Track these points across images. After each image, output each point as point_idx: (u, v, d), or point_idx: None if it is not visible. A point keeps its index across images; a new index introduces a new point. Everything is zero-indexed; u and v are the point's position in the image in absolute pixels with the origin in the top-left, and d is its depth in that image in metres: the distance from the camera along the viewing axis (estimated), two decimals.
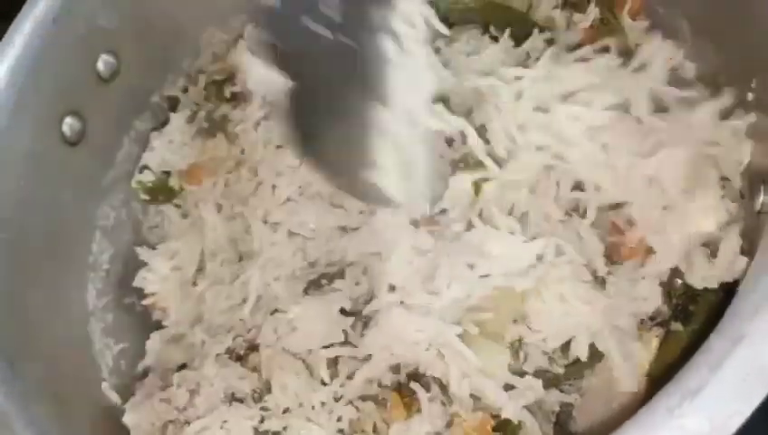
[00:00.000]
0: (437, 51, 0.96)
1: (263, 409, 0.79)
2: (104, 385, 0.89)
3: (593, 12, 0.95)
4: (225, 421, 0.77)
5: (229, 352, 0.83)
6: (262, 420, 0.78)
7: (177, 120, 1.06)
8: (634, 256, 0.75)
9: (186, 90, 1.10)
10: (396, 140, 0.71)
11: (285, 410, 0.78)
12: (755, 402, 0.51)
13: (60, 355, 0.86)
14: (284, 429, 0.78)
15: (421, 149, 0.74)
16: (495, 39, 0.94)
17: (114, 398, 0.87)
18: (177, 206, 1.05)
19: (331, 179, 0.79)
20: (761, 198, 0.74)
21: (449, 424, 0.72)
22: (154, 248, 1.00)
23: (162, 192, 1.06)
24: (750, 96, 0.79)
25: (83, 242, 0.99)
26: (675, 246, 0.70)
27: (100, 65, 0.99)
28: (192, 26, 1.08)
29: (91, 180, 1.02)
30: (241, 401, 0.80)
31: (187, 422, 0.80)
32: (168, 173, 1.05)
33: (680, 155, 0.72)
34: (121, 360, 0.94)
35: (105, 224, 1.02)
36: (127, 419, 0.83)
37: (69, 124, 0.96)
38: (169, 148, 1.05)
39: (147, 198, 1.05)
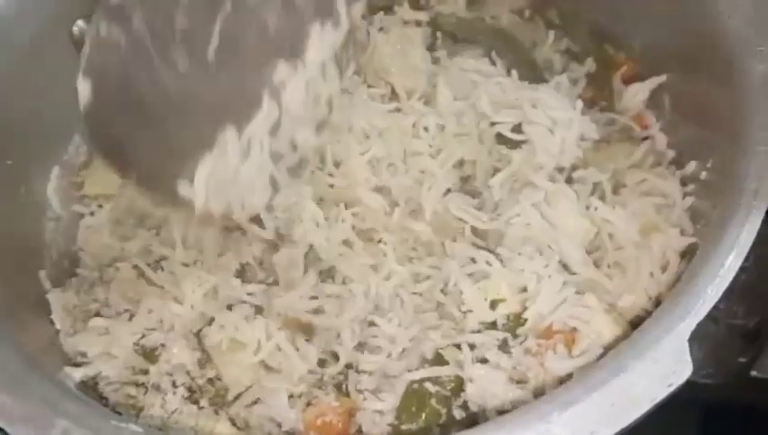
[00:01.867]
0: (436, 61, 1.01)
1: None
2: (42, 273, 0.91)
3: (590, 66, 1.00)
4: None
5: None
6: (142, 337, 0.83)
7: None
8: None
9: None
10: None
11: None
12: (617, 428, 0.56)
13: (9, 233, 0.88)
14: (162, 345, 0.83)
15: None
16: (494, 63, 0.99)
17: (47, 285, 0.89)
18: None
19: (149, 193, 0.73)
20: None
21: None
22: None
23: None
24: (703, 175, 0.84)
25: (62, 140, 1.01)
26: None
27: None
28: None
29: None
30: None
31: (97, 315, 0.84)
32: None
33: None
34: (65, 259, 0.97)
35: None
36: (51, 296, 0.86)
37: (79, 27, 0.99)
38: None
39: None
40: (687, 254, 0.80)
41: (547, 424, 0.56)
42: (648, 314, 0.78)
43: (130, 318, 0.84)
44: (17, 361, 0.65)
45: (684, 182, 0.87)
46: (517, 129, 0.88)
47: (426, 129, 0.93)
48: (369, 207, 0.91)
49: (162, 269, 0.88)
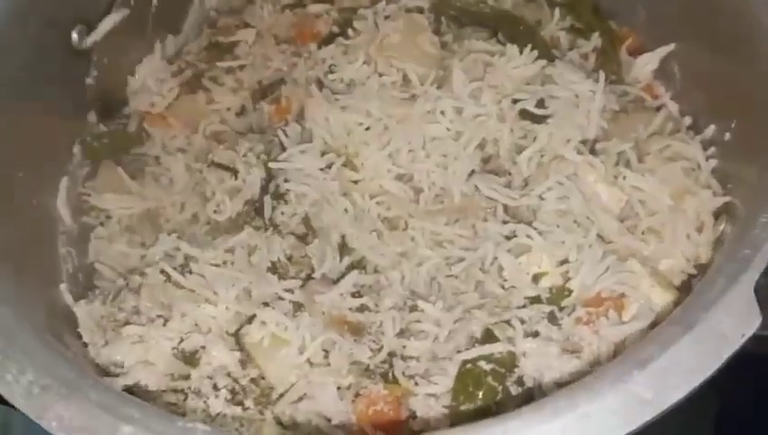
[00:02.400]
0: (444, 45, 1.01)
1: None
2: (62, 286, 0.88)
3: (596, 41, 1.01)
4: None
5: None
6: (180, 341, 0.81)
7: (160, 66, 1.07)
8: None
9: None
10: None
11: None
12: (697, 381, 0.56)
13: (26, 252, 0.85)
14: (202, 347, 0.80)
15: None
16: (503, 44, 0.99)
17: (69, 300, 0.86)
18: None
19: None
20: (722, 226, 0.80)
21: None
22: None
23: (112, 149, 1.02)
24: (727, 136, 0.85)
25: (66, 151, 0.99)
26: None
27: None
28: None
29: (83, 92, 1.01)
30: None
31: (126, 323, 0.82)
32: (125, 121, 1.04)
33: None
34: (79, 273, 0.94)
35: (89, 139, 1.01)
36: (78, 309, 0.83)
37: (78, 32, 0.97)
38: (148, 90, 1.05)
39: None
40: (722, 213, 0.81)
41: (627, 383, 0.56)
42: (691, 276, 0.79)
43: (165, 323, 0.81)
44: (66, 368, 0.62)
45: (704, 147, 0.89)
46: (540, 104, 0.88)
47: (443, 113, 0.93)
48: (394, 196, 0.91)
49: (191, 272, 0.85)
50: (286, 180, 0.91)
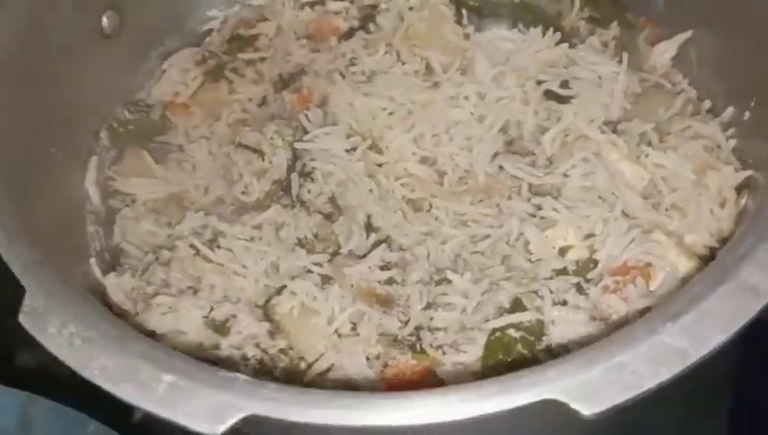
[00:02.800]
0: (466, 36, 1.04)
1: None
2: (92, 260, 0.89)
3: (615, 30, 1.03)
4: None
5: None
6: (211, 310, 0.82)
7: (185, 55, 1.09)
8: None
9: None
10: None
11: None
12: (730, 331, 0.57)
13: (58, 227, 0.86)
14: (233, 316, 0.82)
15: None
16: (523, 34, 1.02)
17: (98, 273, 0.88)
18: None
19: None
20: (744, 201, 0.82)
21: None
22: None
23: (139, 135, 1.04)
24: (747, 115, 0.87)
25: (93, 132, 1.01)
26: None
27: None
28: None
29: (113, 78, 1.04)
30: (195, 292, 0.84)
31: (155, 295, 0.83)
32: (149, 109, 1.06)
33: None
34: (106, 252, 0.95)
35: (115, 125, 1.03)
36: (107, 281, 0.85)
37: (108, 18, 0.99)
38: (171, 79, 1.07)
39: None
40: (743, 188, 0.83)
41: (661, 335, 0.57)
42: (714, 249, 0.81)
43: (195, 293, 0.83)
44: (108, 322, 0.63)
45: (723, 128, 0.91)
46: (564, 85, 0.90)
47: (466, 98, 0.95)
48: (418, 178, 0.92)
49: (219, 247, 0.87)
50: (312, 159, 0.93)
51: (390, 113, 0.95)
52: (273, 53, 1.07)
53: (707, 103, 0.95)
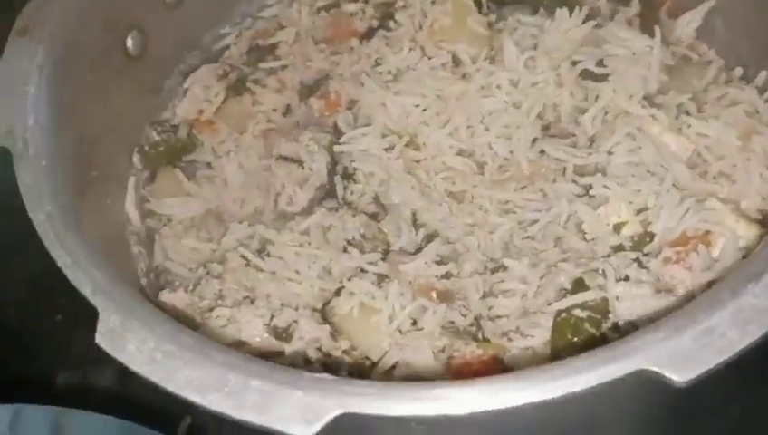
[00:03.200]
0: (489, 25, 1.04)
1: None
2: (143, 281, 0.90)
3: (636, 6, 1.04)
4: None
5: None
6: (271, 318, 0.82)
7: (205, 72, 1.08)
8: None
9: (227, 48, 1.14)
10: None
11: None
12: None
13: (107, 254, 0.86)
14: (294, 322, 0.82)
15: None
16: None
17: (150, 294, 0.88)
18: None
19: None
20: None
21: None
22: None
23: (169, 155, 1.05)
24: None
25: (127, 156, 1.01)
26: None
27: None
28: None
29: (140, 99, 1.04)
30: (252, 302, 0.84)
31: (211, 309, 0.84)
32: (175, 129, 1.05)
33: None
34: (151, 273, 0.95)
35: (146, 148, 1.03)
36: (163, 297, 0.86)
37: (133, 38, 1.00)
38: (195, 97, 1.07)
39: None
40: None
41: (744, 296, 0.58)
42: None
43: (252, 303, 0.83)
44: (186, 335, 0.64)
45: (759, 93, 0.91)
46: (599, 64, 0.91)
47: (498, 87, 0.95)
48: (458, 171, 0.93)
49: (269, 255, 0.87)
50: (353, 161, 0.93)
51: (424, 109, 0.95)
52: (294, 60, 1.08)
53: (739, 71, 0.96)
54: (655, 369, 0.56)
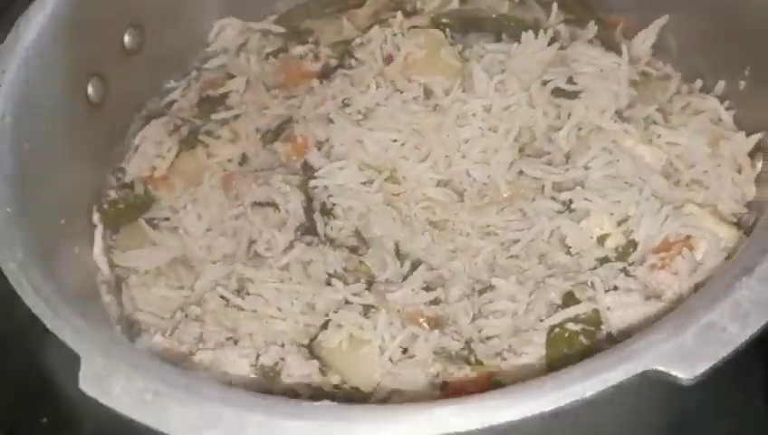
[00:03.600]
0: (461, 53, 1.04)
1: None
2: (117, 328, 0.87)
3: (593, 28, 1.07)
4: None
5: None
6: (257, 357, 0.80)
7: (156, 128, 1.06)
8: None
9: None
10: None
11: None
12: None
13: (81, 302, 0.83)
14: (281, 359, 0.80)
15: None
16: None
17: (125, 341, 0.85)
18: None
19: None
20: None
21: None
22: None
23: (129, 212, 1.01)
24: (742, 84, 0.91)
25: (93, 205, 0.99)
26: None
27: (127, 37, 1.03)
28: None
29: (101, 148, 1.02)
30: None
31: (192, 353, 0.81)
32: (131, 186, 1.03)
33: None
34: (123, 322, 0.92)
35: (105, 206, 1.00)
36: (138, 345, 0.83)
37: (94, 85, 0.99)
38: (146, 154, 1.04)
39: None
40: (755, 153, 0.86)
41: (740, 289, 0.59)
42: (742, 216, 0.84)
43: (236, 344, 0.81)
44: (175, 373, 0.61)
45: (719, 102, 0.95)
46: (569, 81, 0.94)
47: (474, 115, 0.96)
48: (438, 201, 0.93)
49: (248, 294, 0.85)
50: (330, 196, 0.92)
51: (402, 144, 0.95)
52: (246, 109, 1.06)
53: (699, 82, 0.99)
54: (661, 368, 0.56)
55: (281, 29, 1.15)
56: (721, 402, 0.73)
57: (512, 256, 0.86)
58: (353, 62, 1.07)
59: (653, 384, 0.57)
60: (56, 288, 0.70)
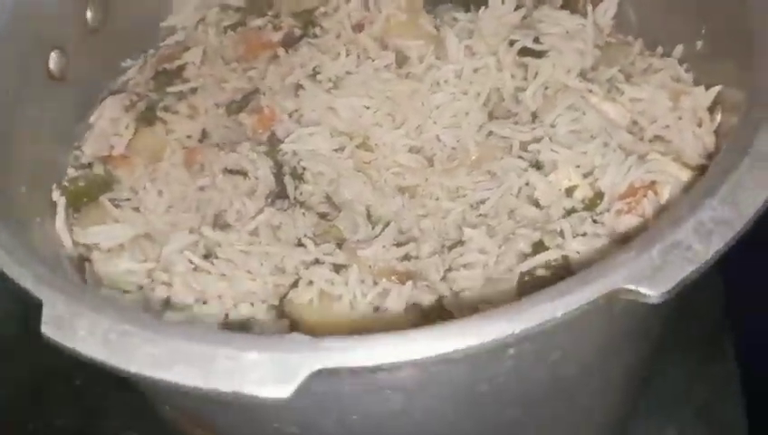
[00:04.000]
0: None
1: None
2: None
3: None
4: None
5: None
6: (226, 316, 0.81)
7: (111, 105, 1.04)
8: None
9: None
10: None
11: None
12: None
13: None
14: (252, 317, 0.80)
15: None
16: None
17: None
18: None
19: None
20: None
21: None
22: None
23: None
24: (699, 44, 0.94)
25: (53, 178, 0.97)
26: None
27: (89, 13, 1.03)
28: None
29: (63, 125, 1.01)
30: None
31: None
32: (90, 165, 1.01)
33: None
34: None
35: (66, 184, 0.99)
36: None
37: (55, 60, 0.98)
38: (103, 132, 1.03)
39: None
40: (714, 106, 0.89)
41: (704, 210, 0.60)
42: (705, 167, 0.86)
43: (204, 304, 0.80)
44: (144, 315, 0.60)
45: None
46: (536, 41, 0.96)
47: (446, 81, 0.97)
48: (408, 167, 0.94)
49: (217, 257, 0.85)
50: (300, 160, 0.93)
51: (375, 111, 0.96)
52: (204, 82, 1.05)
53: (660, 49, 1.01)
54: (630, 286, 0.57)
55: (239, 2, 1.14)
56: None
57: (481, 215, 0.87)
58: (318, 30, 1.08)
59: (622, 304, 0.58)
60: (19, 242, 0.69)
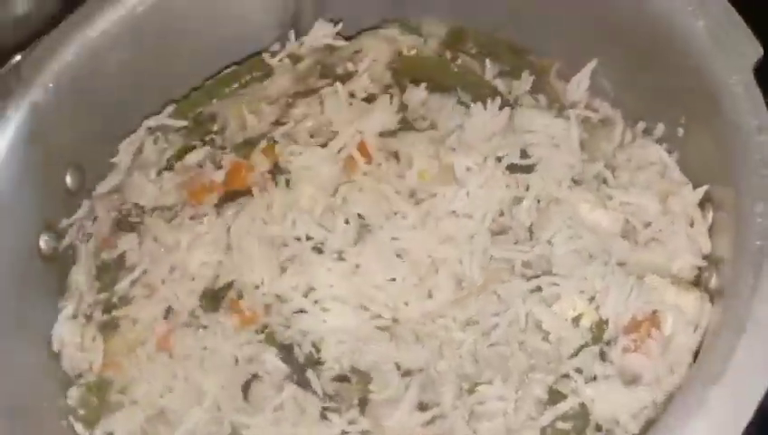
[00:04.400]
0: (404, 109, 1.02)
1: None
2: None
3: (527, 80, 1.09)
4: None
5: None
6: None
7: (69, 328, 1.00)
8: None
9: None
10: None
11: None
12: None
13: None
14: None
15: None
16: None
17: None
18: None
19: None
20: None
21: None
22: None
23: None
24: (680, 131, 0.95)
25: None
26: None
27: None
28: None
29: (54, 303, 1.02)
30: None
31: None
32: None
33: None
34: None
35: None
36: None
37: (45, 240, 1.00)
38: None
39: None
40: (704, 203, 0.90)
41: (710, 405, 0.63)
42: (701, 268, 0.88)
43: None
44: None
45: (660, 143, 0.98)
46: (523, 154, 0.94)
47: (454, 212, 0.93)
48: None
49: None
50: (314, 344, 0.89)
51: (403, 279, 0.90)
52: (152, 259, 0.98)
53: (642, 125, 1.01)
54: None
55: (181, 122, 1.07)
56: None
57: (492, 344, 0.89)
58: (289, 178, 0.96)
59: None
60: None
